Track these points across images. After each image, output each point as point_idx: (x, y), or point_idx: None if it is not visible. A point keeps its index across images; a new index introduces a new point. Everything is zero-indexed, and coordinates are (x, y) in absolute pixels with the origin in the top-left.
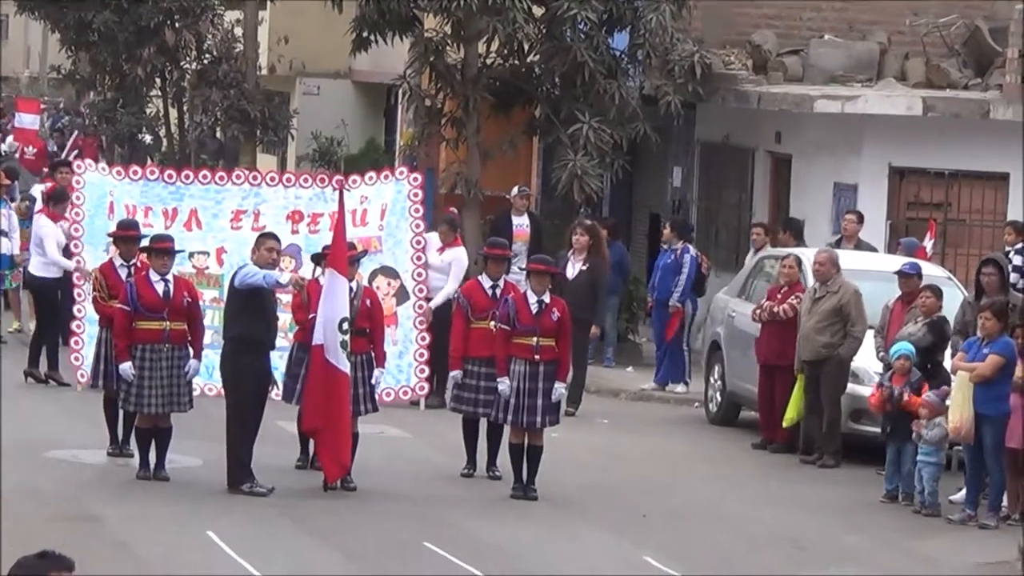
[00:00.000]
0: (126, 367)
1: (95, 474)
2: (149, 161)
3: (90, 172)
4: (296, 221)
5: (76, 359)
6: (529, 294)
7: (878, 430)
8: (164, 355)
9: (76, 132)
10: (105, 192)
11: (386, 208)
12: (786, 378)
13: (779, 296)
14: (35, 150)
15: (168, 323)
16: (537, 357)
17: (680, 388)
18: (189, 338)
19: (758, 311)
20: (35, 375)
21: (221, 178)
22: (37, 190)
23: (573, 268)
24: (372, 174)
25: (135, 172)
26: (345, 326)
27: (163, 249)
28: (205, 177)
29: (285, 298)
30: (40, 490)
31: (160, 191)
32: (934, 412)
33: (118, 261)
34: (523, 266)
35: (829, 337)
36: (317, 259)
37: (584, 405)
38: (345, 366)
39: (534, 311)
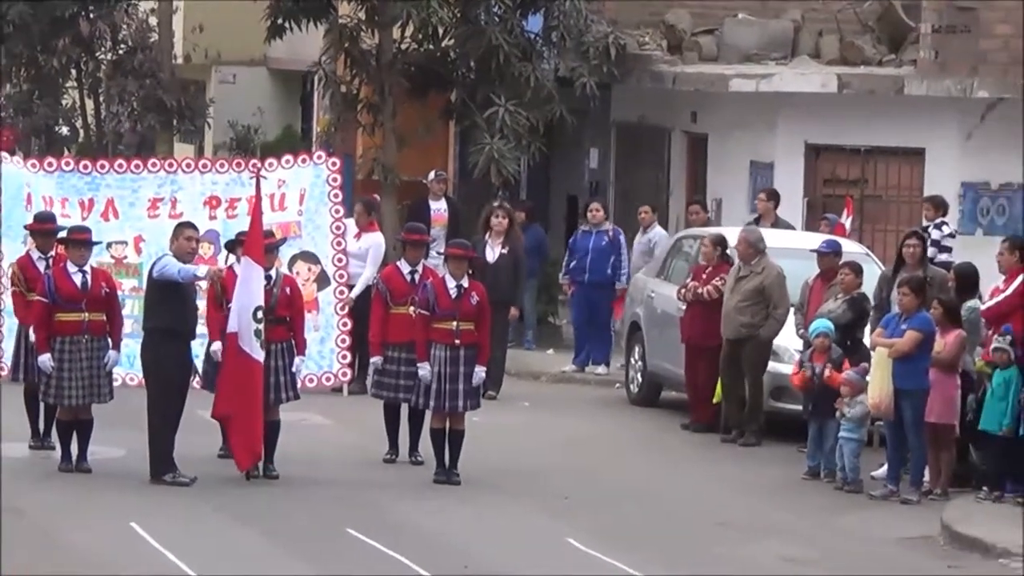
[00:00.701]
0: (45, 359)
1: (17, 467)
2: (66, 153)
3: (6, 164)
4: (214, 207)
5: None
6: (448, 279)
7: (799, 408)
8: (83, 346)
9: None
10: (22, 184)
11: (305, 193)
12: (712, 358)
13: (704, 276)
14: None
15: (87, 314)
16: (457, 341)
17: (601, 369)
18: (108, 329)
19: (683, 291)
20: None
21: (137, 167)
22: None
23: (493, 251)
24: (289, 158)
25: (50, 164)
26: (260, 315)
27: (80, 240)
28: (121, 166)
29: (205, 285)
30: None
31: (76, 182)
32: (855, 390)
33: (36, 254)
34: (441, 251)
35: (750, 317)
36: (231, 246)
37: (505, 388)
38: (259, 355)
39: (453, 296)
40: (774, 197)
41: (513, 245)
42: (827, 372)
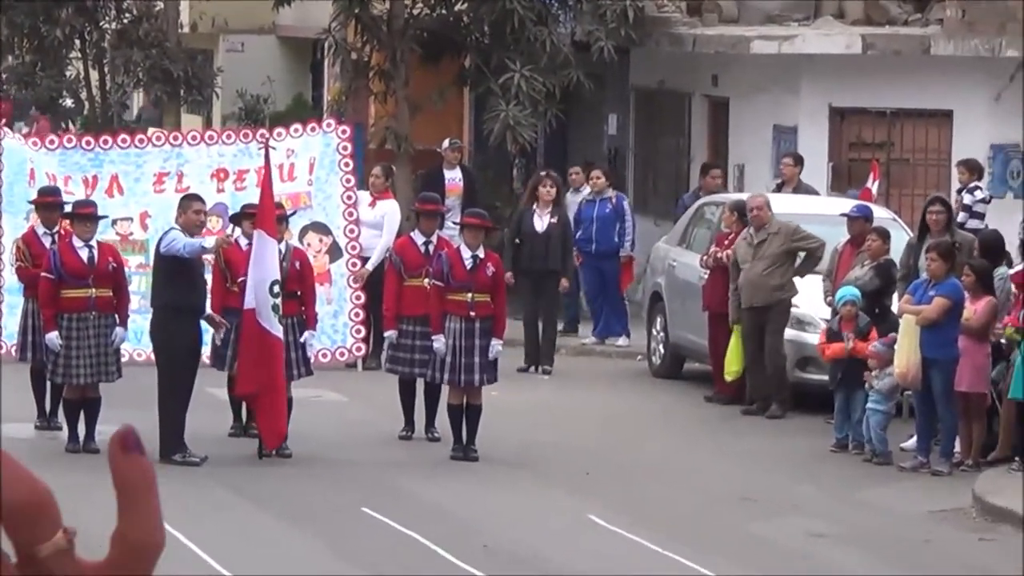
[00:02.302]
0: (52, 337)
1: (23, 448)
2: (70, 126)
3: (8, 139)
4: (221, 179)
5: None
6: (463, 249)
7: (825, 378)
8: (91, 323)
9: None
10: (25, 159)
11: (314, 162)
12: None
13: (726, 243)
14: None
15: (94, 290)
16: (472, 314)
17: (622, 341)
18: (115, 305)
19: (706, 257)
20: None
21: (141, 141)
22: None
23: (541, 221)
24: (298, 127)
25: (51, 141)
26: (276, 289)
27: (86, 215)
28: (124, 141)
29: (212, 258)
30: None
31: (79, 159)
32: (883, 362)
33: (40, 229)
34: (457, 221)
35: (779, 279)
36: (236, 219)
37: (522, 362)
38: (278, 330)
39: (468, 267)
40: (800, 162)
41: (562, 214)
42: (851, 342)
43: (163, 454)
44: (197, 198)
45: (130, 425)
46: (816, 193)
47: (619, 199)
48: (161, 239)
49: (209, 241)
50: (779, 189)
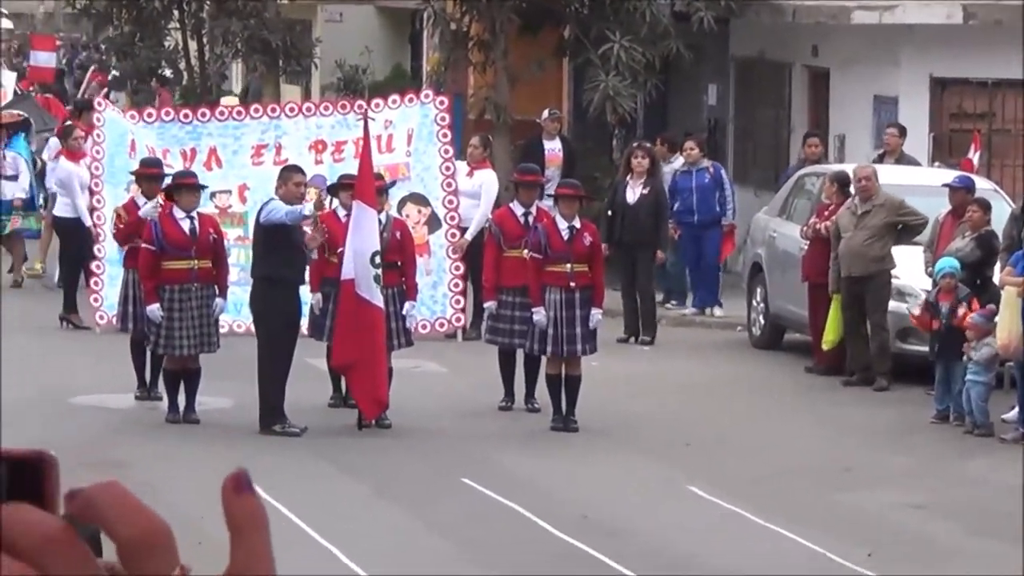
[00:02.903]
0: (154, 308)
1: (123, 419)
2: (169, 95)
3: (110, 111)
4: (319, 151)
5: (95, 300)
6: (559, 220)
7: (926, 349)
8: (193, 295)
9: (93, 68)
10: (126, 131)
11: (412, 133)
12: None
13: (826, 214)
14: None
15: (196, 261)
16: (572, 284)
17: (717, 311)
18: (215, 275)
19: (806, 228)
20: (73, 320)
21: (239, 113)
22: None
23: (633, 192)
24: (396, 97)
25: (149, 115)
26: (377, 259)
27: (188, 185)
28: (222, 114)
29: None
30: (66, 438)
31: (176, 132)
32: (981, 333)
33: (141, 200)
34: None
35: (880, 251)
36: (333, 190)
37: (622, 333)
38: (379, 300)
39: (565, 237)
40: (904, 133)
41: (655, 185)
42: (960, 311)
43: (263, 425)
44: (298, 169)
45: (243, 468)
46: (918, 164)
47: (716, 168)
48: (260, 210)
49: (308, 208)
50: (881, 160)
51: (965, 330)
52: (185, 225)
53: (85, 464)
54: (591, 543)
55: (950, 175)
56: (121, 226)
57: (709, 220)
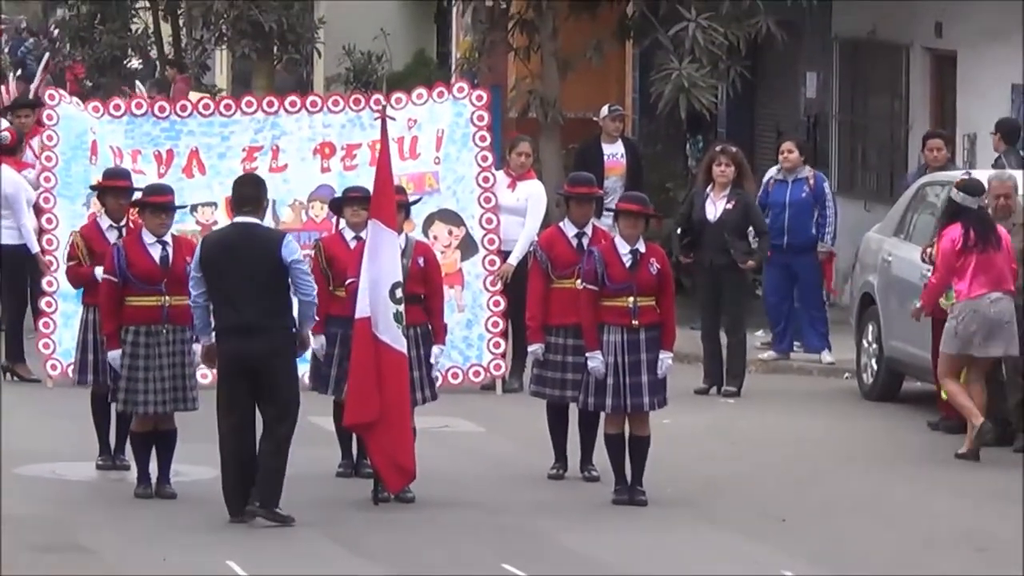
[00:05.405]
0: (115, 355)
1: (83, 493)
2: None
3: (65, 105)
4: (327, 156)
5: (46, 346)
6: (619, 242)
7: None
8: (164, 339)
9: (46, 58)
10: (85, 130)
11: (443, 135)
12: None
13: None
14: None
15: (167, 298)
16: (635, 322)
17: (826, 356)
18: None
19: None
20: (19, 372)
21: (227, 107)
22: None
23: (715, 207)
24: (422, 91)
25: (116, 107)
26: (399, 293)
27: (159, 204)
28: (207, 108)
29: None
30: (14, 518)
31: (150, 129)
32: None
33: (105, 222)
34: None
35: (1021, 281)
36: (337, 206)
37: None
38: (401, 344)
39: (627, 264)
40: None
41: (740, 196)
42: None
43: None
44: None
45: None
46: None
47: (818, 179)
48: (281, 241)
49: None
50: (997, 163)
51: None
52: (155, 252)
53: (42, 549)
54: None
55: None
56: (74, 263)
57: (801, 244)
